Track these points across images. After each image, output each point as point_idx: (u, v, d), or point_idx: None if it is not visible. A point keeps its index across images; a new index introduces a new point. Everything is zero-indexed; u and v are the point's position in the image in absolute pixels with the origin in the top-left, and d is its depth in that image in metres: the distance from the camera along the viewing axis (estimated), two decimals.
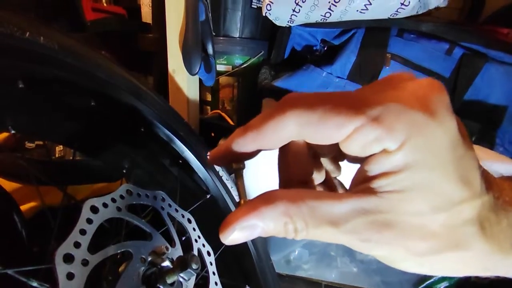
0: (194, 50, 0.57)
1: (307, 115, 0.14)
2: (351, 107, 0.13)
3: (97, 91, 0.35)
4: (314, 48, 0.80)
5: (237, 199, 0.18)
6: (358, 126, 0.13)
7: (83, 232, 0.22)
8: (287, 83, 0.78)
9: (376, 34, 0.69)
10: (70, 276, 0.20)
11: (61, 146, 0.72)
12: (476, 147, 0.61)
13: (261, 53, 0.87)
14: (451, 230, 0.13)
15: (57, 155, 0.68)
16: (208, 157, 0.18)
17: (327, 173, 0.20)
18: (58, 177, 0.43)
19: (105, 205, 0.25)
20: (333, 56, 0.72)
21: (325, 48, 0.77)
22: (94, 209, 0.24)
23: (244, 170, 0.18)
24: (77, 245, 0.21)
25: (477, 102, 0.68)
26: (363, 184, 0.14)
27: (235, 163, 0.17)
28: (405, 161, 0.13)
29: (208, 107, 0.98)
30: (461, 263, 0.14)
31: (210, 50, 0.63)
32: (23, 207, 0.46)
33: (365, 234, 0.13)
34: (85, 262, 0.21)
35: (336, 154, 0.18)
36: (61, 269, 0.19)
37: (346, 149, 0.14)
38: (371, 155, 0.14)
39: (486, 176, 0.15)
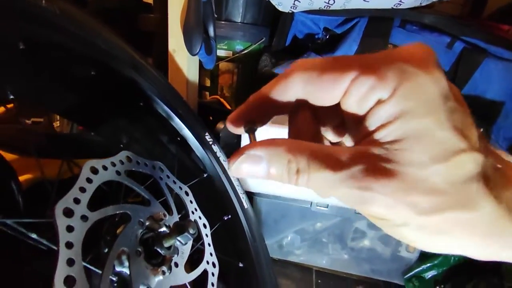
0: (195, 30, 0.56)
1: (310, 72, 0.15)
2: (348, 63, 0.14)
3: (97, 61, 0.35)
4: (316, 36, 0.79)
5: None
6: (353, 78, 0.14)
7: (82, 189, 0.22)
8: None
9: (379, 24, 0.69)
10: (69, 228, 0.20)
11: (58, 122, 0.71)
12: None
13: (263, 40, 0.87)
14: (456, 187, 0.13)
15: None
16: (226, 122, 0.18)
17: None
18: (57, 150, 0.43)
19: (104, 168, 0.25)
20: (334, 44, 0.72)
21: (327, 37, 0.76)
22: (93, 170, 0.24)
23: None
24: (76, 201, 0.21)
25: (474, 97, 0.69)
26: (364, 140, 0.14)
27: (249, 124, 0.18)
28: (399, 109, 0.13)
29: (207, 93, 0.97)
30: (468, 226, 0.13)
31: (211, 32, 0.62)
32: (21, 178, 0.46)
33: (364, 181, 0.13)
34: (84, 218, 0.21)
35: (339, 124, 0.19)
36: (61, 221, 0.20)
37: (345, 106, 0.15)
38: (369, 112, 0.14)
39: (485, 143, 0.15)
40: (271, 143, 0.15)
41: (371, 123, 0.14)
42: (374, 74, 0.13)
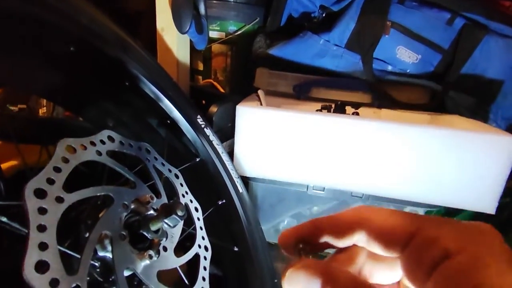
0: (184, 7, 0.53)
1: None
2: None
3: (77, 36, 0.33)
4: (312, 15, 0.76)
5: None
6: None
7: (57, 169, 0.20)
8: (283, 52, 0.75)
9: (377, 0, 0.66)
10: (42, 210, 0.18)
11: (44, 108, 0.69)
12: (470, 121, 0.61)
13: (257, 20, 0.83)
14: None
15: None
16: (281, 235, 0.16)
17: None
18: (40, 136, 0.41)
19: (83, 147, 0.23)
20: (331, 23, 0.70)
21: (324, 15, 0.74)
22: (70, 149, 0.22)
23: None
24: (50, 181, 0.20)
25: (474, 76, 0.67)
26: None
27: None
28: None
29: (200, 77, 0.94)
30: None
31: (202, 9, 0.59)
32: (3, 165, 0.44)
33: None
34: (59, 200, 0.19)
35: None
36: (32, 203, 0.18)
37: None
38: None
39: None
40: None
41: None
42: None
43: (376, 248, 0.14)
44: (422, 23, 0.65)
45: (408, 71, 0.68)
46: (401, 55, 0.67)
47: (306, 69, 0.72)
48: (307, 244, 0.16)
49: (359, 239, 0.15)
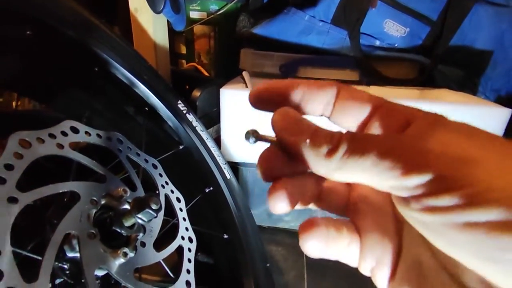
0: None
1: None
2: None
3: (32, 18, 0.29)
4: None
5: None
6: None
7: (9, 167, 0.18)
8: (267, 30, 0.72)
9: None
10: None
11: (19, 101, 0.65)
12: (459, 94, 0.60)
13: None
14: None
15: None
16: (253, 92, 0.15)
17: None
18: (3, 129, 0.38)
19: (40, 140, 0.21)
20: None
21: None
22: (24, 143, 0.20)
23: None
24: (1, 181, 0.17)
25: (463, 48, 0.66)
26: None
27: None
28: None
29: (183, 61, 0.90)
30: None
31: None
32: None
33: None
34: (13, 200, 0.17)
35: None
36: None
37: None
38: None
39: None
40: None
41: None
42: None
43: (342, 116, 0.15)
44: None
45: (396, 45, 0.66)
46: (389, 28, 0.64)
47: (292, 48, 0.69)
48: (274, 104, 0.15)
49: (325, 110, 0.15)
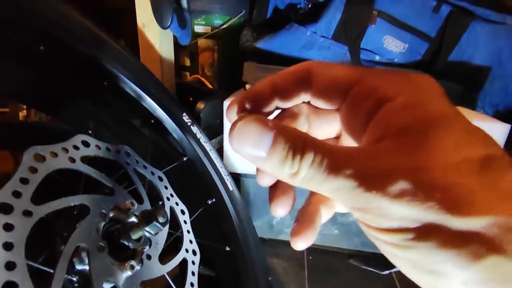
0: (165, 1, 0.51)
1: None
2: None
3: (47, 34, 0.31)
4: (298, 6, 0.75)
5: None
6: None
7: (24, 181, 0.19)
8: (270, 45, 0.74)
9: None
10: (8, 227, 0.17)
11: (25, 111, 0.66)
12: (458, 109, 0.61)
13: (242, 13, 0.81)
14: None
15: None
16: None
17: None
18: (13, 141, 0.39)
19: (54, 154, 0.22)
20: (317, 14, 0.68)
21: (310, 6, 0.72)
22: (39, 157, 0.20)
23: None
24: (17, 194, 0.18)
25: (461, 63, 0.67)
26: None
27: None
28: None
29: (187, 73, 0.92)
30: None
31: (184, 3, 0.57)
32: None
33: None
34: (27, 214, 0.18)
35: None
36: None
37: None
38: None
39: None
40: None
41: None
42: None
43: (320, 102, 0.15)
44: (408, 11, 0.64)
45: (395, 60, 0.67)
46: (388, 44, 0.66)
47: (294, 62, 0.70)
48: (255, 107, 0.15)
49: (304, 97, 0.15)
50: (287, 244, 0.73)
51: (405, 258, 0.11)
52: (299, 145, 0.11)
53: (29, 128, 0.41)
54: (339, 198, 0.11)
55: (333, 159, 0.11)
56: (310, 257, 0.71)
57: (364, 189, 0.10)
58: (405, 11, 0.64)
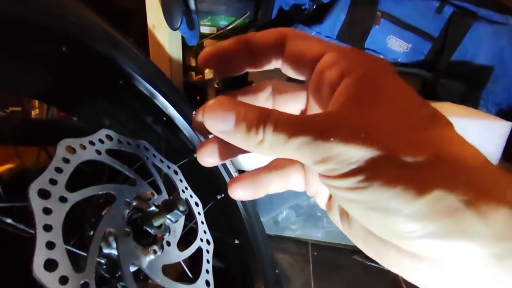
0: (175, 3, 0.53)
1: None
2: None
3: (68, 36, 0.32)
4: (303, 7, 0.76)
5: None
6: None
7: (59, 170, 0.21)
8: None
9: None
10: (47, 211, 0.18)
11: (37, 109, 0.68)
12: (461, 107, 0.62)
13: (247, 14, 0.83)
14: None
15: None
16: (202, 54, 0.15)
17: None
18: (35, 137, 0.41)
19: (82, 147, 0.23)
20: (322, 15, 0.70)
21: (314, 7, 0.73)
22: (70, 149, 0.22)
23: None
24: (53, 182, 0.20)
25: (464, 63, 0.68)
26: None
27: (213, 71, 0.15)
28: None
29: (193, 73, 0.94)
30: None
31: (192, 5, 0.59)
32: (1, 168, 0.44)
33: None
34: (63, 199, 0.20)
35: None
36: (37, 203, 0.18)
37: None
38: None
39: None
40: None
41: None
42: None
43: (290, 70, 0.15)
44: (411, 12, 0.65)
45: (399, 60, 0.69)
46: (392, 44, 0.67)
47: None
48: (225, 62, 0.15)
49: (275, 63, 0.15)
50: (292, 240, 0.74)
51: (359, 200, 0.12)
52: (262, 115, 0.12)
53: (50, 125, 0.43)
54: (303, 155, 0.12)
55: (292, 122, 0.12)
56: (315, 253, 0.72)
57: (322, 140, 0.11)
58: (409, 12, 0.65)
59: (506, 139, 0.55)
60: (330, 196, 0.17)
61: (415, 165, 0.11)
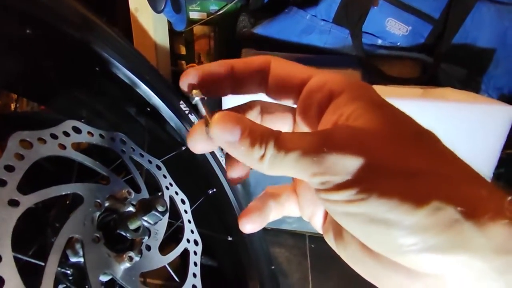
0: None
1: None
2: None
3: (32, 17, 0.29)
4: None
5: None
6: None
7: (9, 168, 0.17)
8: (268, 30, 0.71)
9: None
10: None
11: (16, 103, 0.64)
12: (463, 92, 0.60)
13: None
14: None
15: None
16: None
17: None
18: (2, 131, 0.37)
19: (42, 141, 0.20)
20: None
21: None
22: (25, 144, 0.19)
23: None
24: (1, 183, 0.17)
25: (466, 46, 0.65)
26: None
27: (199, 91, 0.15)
28: None
29: (183, 62, 0.90)
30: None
31: None
32: None
33: None
34: (14, 203, 0.17)
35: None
36: None
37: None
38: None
39: None
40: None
41: None
42: None
43: (275, 96, 0.16)
44: None
45: (398, 44, 0.65)
46: (391, 27, 0.64)
47: (293, 47, 0.69)
48: (208, 85, 0.15)
49: (258, 89, 0.16)
50: (289, 233, 0.72)
51: (358, 213, 0.11)
52: (266, 132, 0.13)
53: (19, 118, 0.39)
54: (300, 169, 0.12)
55: (291, 139, 0.13)
56: (312, 245, 0.70)
57: (316, 151, 0.12)
58: None
59: (510, 124, 0.53)
60: (325, 218, 0.17)
61: (410, 176, 0.11)
